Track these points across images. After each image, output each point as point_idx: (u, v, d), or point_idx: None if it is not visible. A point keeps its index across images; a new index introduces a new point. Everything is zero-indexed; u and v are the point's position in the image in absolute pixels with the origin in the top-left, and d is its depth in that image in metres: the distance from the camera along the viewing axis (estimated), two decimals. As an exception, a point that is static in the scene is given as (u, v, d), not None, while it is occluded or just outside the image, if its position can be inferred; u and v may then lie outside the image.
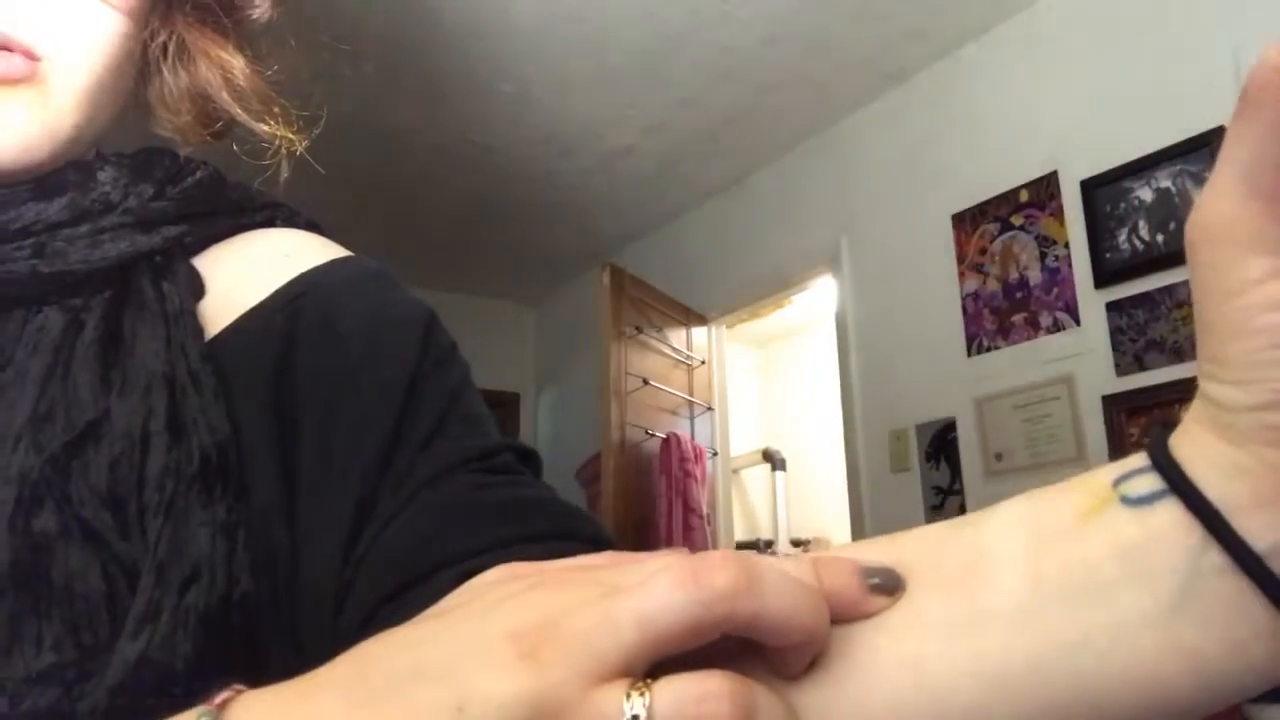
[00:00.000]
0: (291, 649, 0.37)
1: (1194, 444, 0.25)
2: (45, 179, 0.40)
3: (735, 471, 4.43)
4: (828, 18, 2.83)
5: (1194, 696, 0.25)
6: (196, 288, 0.42)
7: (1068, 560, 0.26)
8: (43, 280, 0.38)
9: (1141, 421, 2.33)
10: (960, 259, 2.86)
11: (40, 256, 0.38)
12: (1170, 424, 0.26)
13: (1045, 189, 2.65)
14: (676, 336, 3.80)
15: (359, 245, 0.50)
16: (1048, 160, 2.64)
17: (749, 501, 5.02)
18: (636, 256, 4.21)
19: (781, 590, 0.24)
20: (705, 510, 3.59)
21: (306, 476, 0.39)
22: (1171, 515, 0.25)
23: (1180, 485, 0.24)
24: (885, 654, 0.26)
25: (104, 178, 0.41)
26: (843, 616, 0.26)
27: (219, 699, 0.25)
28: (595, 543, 0.37)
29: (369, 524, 0.38)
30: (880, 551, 0.29)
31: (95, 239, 0.40)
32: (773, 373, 5.48)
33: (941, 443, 2.82)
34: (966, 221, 2.86)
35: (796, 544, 4.60)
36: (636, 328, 3.55)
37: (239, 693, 0.26)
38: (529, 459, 0.43)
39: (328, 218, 0.56)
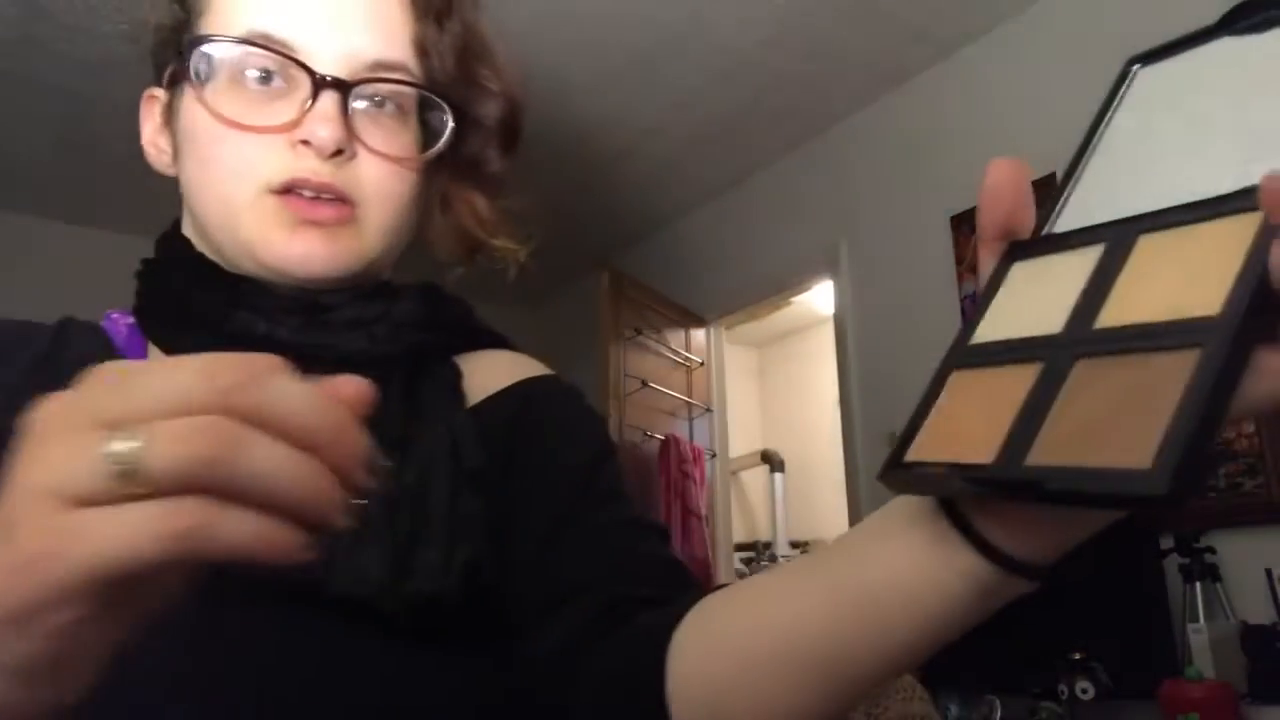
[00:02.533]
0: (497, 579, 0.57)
1: None
2: (365, 291, 0.60)
3: (734, 473, 4.43)
4: (826, 19, 2.83)
5: (920, 591, 0.38)
6: (458, 373, 0.64)
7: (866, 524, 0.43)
8: (371, 356, 0.59)
9: (1140, 423, 2.33)
10: (959, 260, 2.86)
11: (369, 341, 0.59)
12: None
13: (1044, 190, 2.65)
14: (675, 338, 3.80)
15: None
16: (1047, 162, 2.63)
17: (748, 503, 5.02)
18: (635, 258, 4.21)
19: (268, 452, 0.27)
20: (704, 512, 3.58)
21: (516, 513, 0.59)
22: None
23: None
24: (744, 604, 0.46)
25: (404, 298, 0.62)
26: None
27: None
28: (685, 586, 0.55)
29: (559, 541, 0.57)
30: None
31: (396, 331, 0.60)
32: (772, 374, 5.48)
33: (940, 444, 2.81)
34: (965, 223, 2.86)
35: (795, 545, 4.60)
36: (635, 329, 3.55)
37: None
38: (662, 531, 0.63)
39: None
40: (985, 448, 0.32)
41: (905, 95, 3.16)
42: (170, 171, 0.63)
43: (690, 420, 3.77)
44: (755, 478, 4.99)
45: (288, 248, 0.57)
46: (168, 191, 0.65)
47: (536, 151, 3.70)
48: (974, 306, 0.38)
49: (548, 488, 0.60)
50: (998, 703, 2.12)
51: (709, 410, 3.88)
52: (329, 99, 0.56)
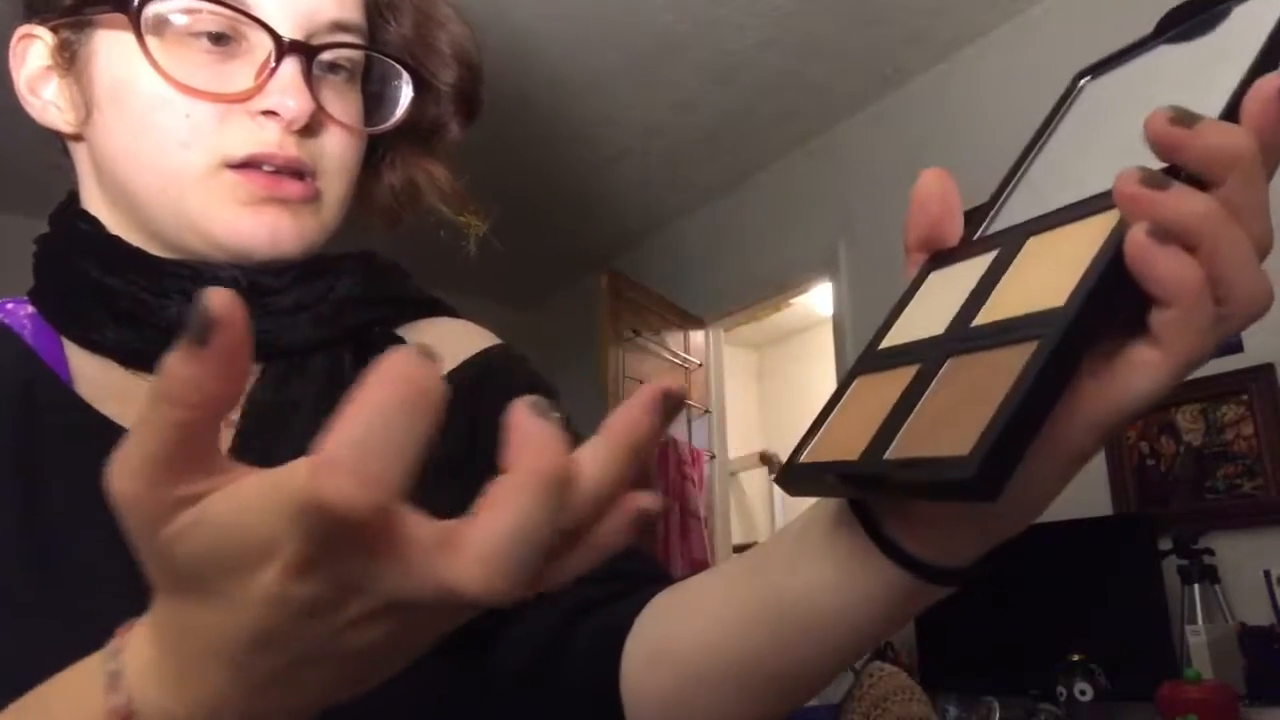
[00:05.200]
0: None
1: None
2: (306, 270, 0.56)
3: (733, 474, 4.43)
4: (825, 21, 2.83)
5: (840, 592, 0.39)
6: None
7: (778, 538, 0.45)
8: (317, 337, 0.55)
9: (1137, 425, 2.33)
10: (958, 262, 2.86)
11: (313, 325, 0.55)
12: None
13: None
14: (674, 340, 3.80)
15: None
16: (1045, 164, 2.64)
17: (747, 504, 5.02)
18: (634, 259, 4.21)
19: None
20: (703, 513, 3.58)
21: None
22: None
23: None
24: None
25: (345, 274, 0.58)
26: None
27: (123, 627, 0.30)
28: (644, 576, 0.54)
29: None
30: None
31: (340, 311, 0.56)
32: (770, 376, 5.48)
33: (939, 446, 2.81)
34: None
35: (794, 547, 4.59)
36: (634, 331, 3.55)
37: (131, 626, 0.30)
38: None
39: (328, 219, 0.57)
40: (859, 446, 0.32)
41: (904, 96, 3.16)
42: (67, 130, 0.56)
43: (689, 422, 3.77)
44: (754, 479, 4.99)
45: (254, 228, 0.52)
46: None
47: (536, 152, 3.71)
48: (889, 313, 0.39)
49: None
50: (996, 704, 2.11)
51: (708, 412, 3.88)
52: (292, 65, 0.52)
